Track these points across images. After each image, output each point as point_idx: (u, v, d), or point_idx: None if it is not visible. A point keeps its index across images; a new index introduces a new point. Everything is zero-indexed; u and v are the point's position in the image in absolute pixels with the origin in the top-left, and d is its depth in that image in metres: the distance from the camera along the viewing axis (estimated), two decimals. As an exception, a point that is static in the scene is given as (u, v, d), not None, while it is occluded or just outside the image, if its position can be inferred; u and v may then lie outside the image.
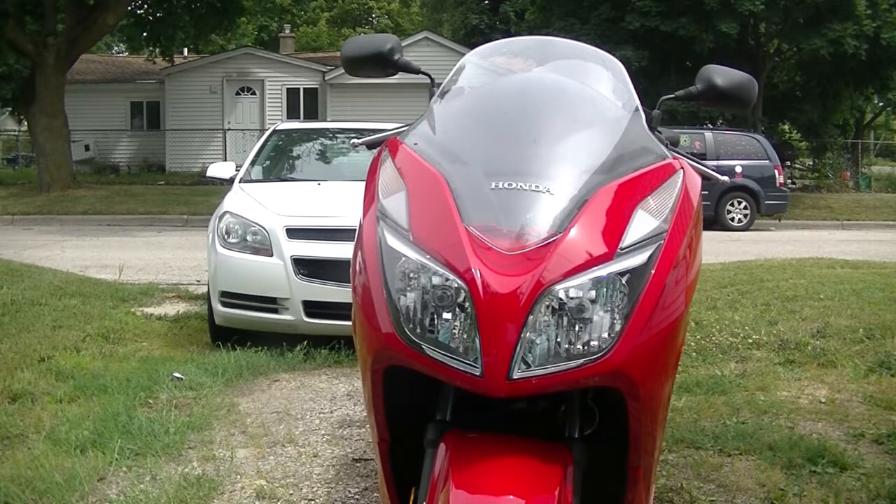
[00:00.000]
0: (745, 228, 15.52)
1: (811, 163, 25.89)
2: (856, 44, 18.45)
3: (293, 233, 4.97)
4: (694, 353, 4.74)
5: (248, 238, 5.06)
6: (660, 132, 2.04)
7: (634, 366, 1.44)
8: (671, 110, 17.12)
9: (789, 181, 19.49)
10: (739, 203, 15.72)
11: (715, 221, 15.19)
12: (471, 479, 1.42)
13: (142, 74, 24.89)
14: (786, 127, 26.99)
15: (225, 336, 5.11)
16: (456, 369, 1.41)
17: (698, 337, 5.01)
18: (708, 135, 16.18)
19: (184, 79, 24.04)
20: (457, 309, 1.41)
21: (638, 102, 1.93)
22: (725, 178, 2.23)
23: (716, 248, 10.49)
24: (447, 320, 1.42)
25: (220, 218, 5.25)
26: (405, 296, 1.45)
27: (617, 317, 1.42)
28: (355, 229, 1.75)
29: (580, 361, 1.41)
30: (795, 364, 4.52)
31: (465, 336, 1.41)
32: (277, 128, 7.12)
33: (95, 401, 3.82)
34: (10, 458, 3.10)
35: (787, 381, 4.26)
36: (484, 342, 1.39)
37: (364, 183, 1.77)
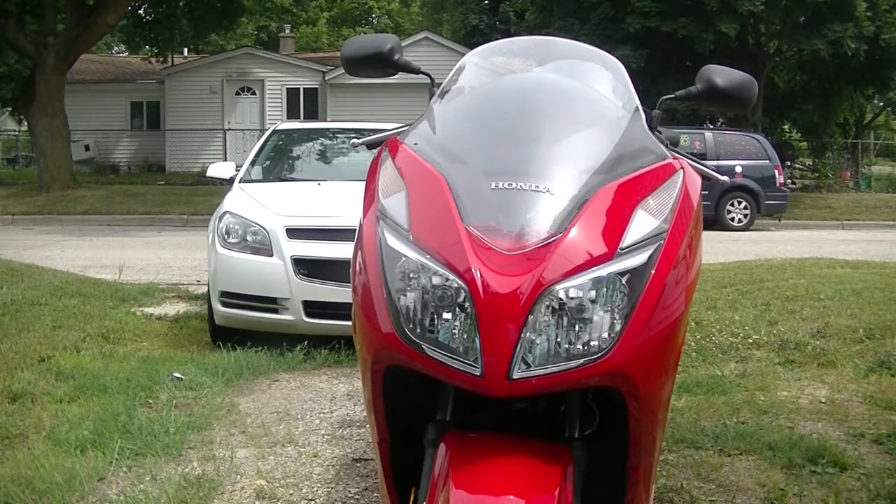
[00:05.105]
0: (745, 228, 15.52)
1: (811, 163, 25.88)
2: (855, 45, 18.45)
3: (293, 233, 4.97)
4: (694, 353, 4.74)
5: (248, 238, 5.06)
6: (660, 132, 2.04)
7: (634, 366, 1.44)
8: (671, 110, 17.12)
9: (789, 181, 19.48)
10: (739, 203, 15.72)
11: (715, 221, 15.18)
12: (471, 479, 1.42)
13: (142, 74, 24.89)
14: (786, 127, 26.98)
15: (225, 336, 5.11)
16: (456, 369, 1.41)
17: (698, 337, 5.00)
18: (708, 135, 16.18)
19: (184, 79, 24.03)
20: (457, 309, 1.41)
21: (638, 102, 1.93)
22: (725, 178, 2.23)
23: (716, 248, 10.49)
24: (447, 320, 1.42)
25: (220, 218, 5.24)
26: (405, 296, 1.45)
27: (617, 317, 1.42)
28: (355, 229, 1.75)
29: (580, 361, 1.41)
30: (795, 364, 4.52)
31: (465, 336, 1.41)
32: (277, 128, 7.12)
33: (95, 401, 3.82)
34: (10, 458, 3.10)
35: (787, 381, 4.26)
36: (484, 342, 1.39)
37: (364, 183, 1.77)
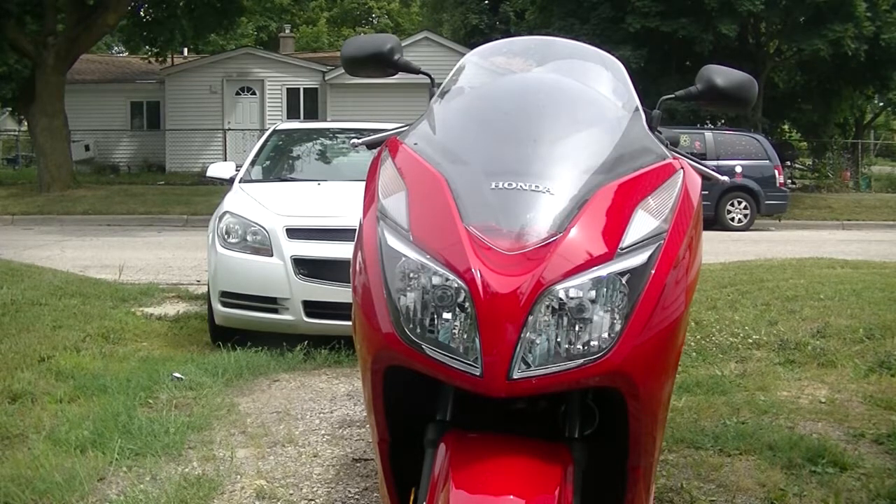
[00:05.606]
0: (745, 228, 15.52)
1: (811, 163, 25.88)
2: (855, 45, 18.45)
3: (293, 233, 4.98)
4: (694, 353, 4.74)
5: (248, 238, 5.06)
6: (660, 132, 2.04)
7: (634, 366, 1.44)
8: (671, 110, 17.12)
9: (789, 181, 19.48)
10: (739, 203, 15.72)
11: (715, 221, 15.18)
12: (471, 479, 1.42)
13: (142, 74, 24.89)
14: (786, 127, 26.97)
15: (225, 336, 5.11)
16: (456, 369, 1.41)
17: (698, 337, 5.00)
18: (708, 135, 16.18)
19: (184, 79, 24.04)
20: (457, 309, 1.41)
21: (638, 102, 1.93)
22: (725, 178, 2.23)
23: (716, 248, 10.49)
24: (447, 320, 1.42)
25: (220, 218, 5.25)
26: (405, 296, 1.45)
27: (617, 317, 1.42)
28: (355, 229, 1.75)
29: (580, 361, 1.41)
30: (795, 364, 4.52)
31: (465, 336, 1.41)
32: (277, 128, 7.12)
33: (95, 401, 3.82)
34: (10, 458, 3.10)
35: (787, 381, 4.26)
36: (484, 342, 1.39)
37: (364, 183, 1.77)
